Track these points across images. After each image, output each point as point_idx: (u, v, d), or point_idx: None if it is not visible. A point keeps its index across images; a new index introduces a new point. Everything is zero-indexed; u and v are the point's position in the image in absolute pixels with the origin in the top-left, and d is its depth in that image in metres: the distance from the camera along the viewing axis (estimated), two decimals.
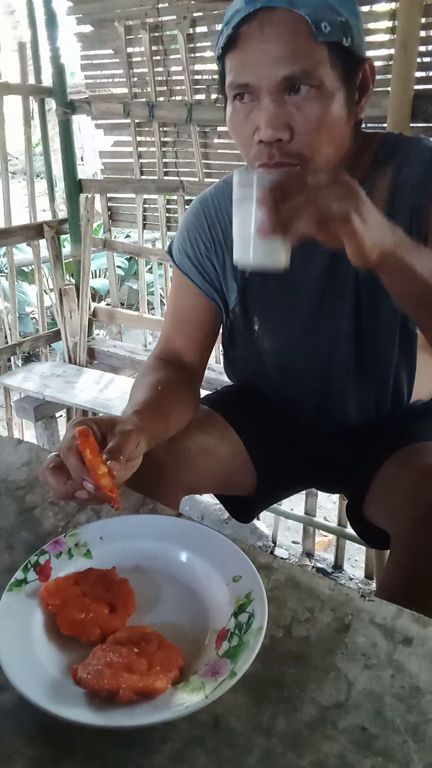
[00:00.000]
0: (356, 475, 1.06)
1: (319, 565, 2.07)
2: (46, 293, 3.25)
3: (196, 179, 2.19)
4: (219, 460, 1.06)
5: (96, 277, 4.63)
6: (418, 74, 1.61)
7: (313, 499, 1.96)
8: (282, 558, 0.77)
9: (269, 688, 0.58)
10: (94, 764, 0.52)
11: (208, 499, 2.15)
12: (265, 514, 2.15)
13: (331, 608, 0.67)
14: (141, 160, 2.33)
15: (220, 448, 1.06)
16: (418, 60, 1.59)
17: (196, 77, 2.06)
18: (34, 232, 2.47)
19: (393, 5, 1.63)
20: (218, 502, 1.26)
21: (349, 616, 0.66)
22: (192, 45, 2.02)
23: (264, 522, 2.20)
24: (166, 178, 2.27)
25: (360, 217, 0.65)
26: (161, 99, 2.15)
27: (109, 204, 2.52)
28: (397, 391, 1.03)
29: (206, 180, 2.17)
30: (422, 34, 1.58)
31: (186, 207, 1.94)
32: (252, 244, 0.70)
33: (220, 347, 1.19)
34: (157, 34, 2.05)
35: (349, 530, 1.63)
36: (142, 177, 2.34)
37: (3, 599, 0.65)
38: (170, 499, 0.92)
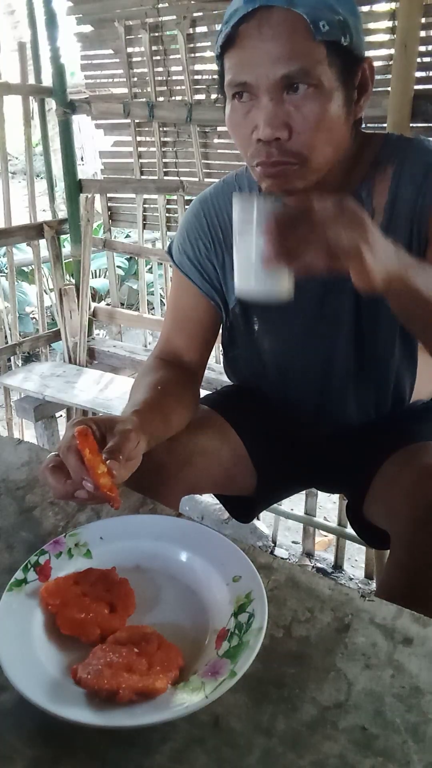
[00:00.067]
0: (356, 475, 1.06)
1: (319, 565, 2.07)
2: (46, 293, 3.25)
3: (196, 179, 2.19)
4: (219, 460, 1.05)
5: (96, 277, 4.63)
6: (418, 74, 1.61)
7: (313, 499, 1.96)
8: (282, 558, 0.76)
9: (269, 688, 0.58)
10: (94, 764, 0.52)
11: (208, 499, 2.15)
12: (265, 514, 2.15)
13: (331, 608, 0.67)
14: (141, 160, 2.32)
15: (220, 448, 1.06)
16: (418, 60, 1.58)
17: (196, 77, 2.06)
18: (34, 232, 2.47)
19: (393, 5, 1.62)
20: (218, 502, 1.26)
21: (349, 616, 0.66)
22: (192, 45, 2.01)
23: (264, 522, 2.20)
24: (166, 178, 2.27)
25: (368, 246, 0.64)
26: (161, 99, 2.15)
27: (109, 204, 2.52)
28: (398, 391, 1.03)
29: (206, 180, 2.17)
30: (422, 34, 1.58)
31: (186, 207, 1.94)
32: (254, 274, 0.67)
33: (220, 347, 1.19)
34: (157, 34, 2.05)
35: (349, 530, 1.63)
36: (142, 177, 2.34)
37: (3, 599, 0.65)
38: (170, 499, 0.92)
